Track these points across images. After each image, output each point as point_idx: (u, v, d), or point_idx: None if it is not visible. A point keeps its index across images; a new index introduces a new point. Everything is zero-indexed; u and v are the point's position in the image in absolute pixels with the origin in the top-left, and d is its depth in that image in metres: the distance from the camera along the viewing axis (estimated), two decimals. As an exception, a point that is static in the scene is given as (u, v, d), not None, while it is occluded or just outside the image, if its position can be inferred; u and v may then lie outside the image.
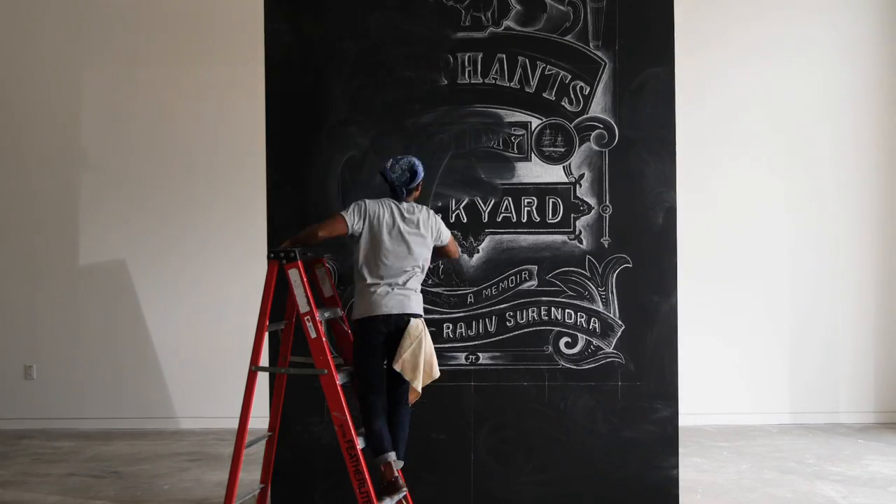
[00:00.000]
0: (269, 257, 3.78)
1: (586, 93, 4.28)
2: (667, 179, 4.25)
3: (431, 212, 3.93)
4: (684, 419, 5.04)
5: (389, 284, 3.74)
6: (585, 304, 4.25)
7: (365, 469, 3.63)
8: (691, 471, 5.14)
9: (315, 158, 4.30)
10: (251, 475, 5.16)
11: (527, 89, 4.29)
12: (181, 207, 6.63)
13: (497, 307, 4.26)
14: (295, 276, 3.71)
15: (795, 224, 6.59)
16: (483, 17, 4.29)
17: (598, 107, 4.27)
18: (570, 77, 4.28)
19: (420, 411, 4.23)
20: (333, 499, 4.26)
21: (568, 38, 4.28)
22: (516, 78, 4.29)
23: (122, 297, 6.63)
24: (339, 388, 3.67)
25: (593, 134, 4.26)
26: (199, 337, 6.61)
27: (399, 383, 3.82)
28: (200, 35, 6.64)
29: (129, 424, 6.56)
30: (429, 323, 4.25)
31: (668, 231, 4.26)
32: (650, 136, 4.25)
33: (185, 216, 6.62)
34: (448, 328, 4.25)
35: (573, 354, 4.26)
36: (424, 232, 3.82)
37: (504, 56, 4.29)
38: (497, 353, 4.25)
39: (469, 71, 4.29)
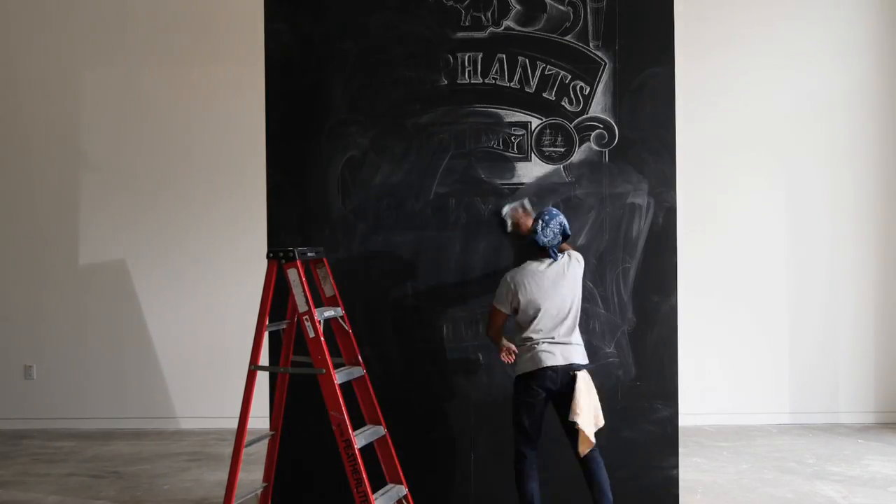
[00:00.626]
0: (268, 257, 3.79)
1: (586, 93, 4.28)
2: (667, 179, 4.25)
3: (572, 254, 3.95)
4: (684, 419, 5.04)
5: (542, 339, 3.80)
6: (585, 304, 4.24)
7: (362, 468, 3.63)
8: (691, 471, 5.14)
9: (315, 158, 4.30)
10: (251, 475, 5.17)
11: (527, 89, 4.28)
12: (181, 207, 6.63)
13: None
14: (294, 275, 3.71)
15: (795, 224, 6.60)
16: (483, 17, 4.29)
17: (598, 107, 4.27)
18: (570, 77, 4.27)
19: (420, 411, 4.24)
20: (333, 498, 4.26)
21: (568, 38, 4.27)
22: (516, 78, 4.29)
23: (122, 296, 6.64)
24: (336, 388, 3.67)
25: (593, 134, 4.26)
26: (199, 337, 6.61)
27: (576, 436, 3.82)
28: (200, 35, 6.65)
29: (129, 424, 6.56)
30: (429, 323, 4.26)
31: (668, 231, 4.26)
32: (650, 136, 4.25)
33: (185, 216, 6.63)
34: (448, 328, 4.25)
35: (573, 354, 4.25)
36: (564, 279, 3.85)
37: (504, 56, 4.29)
38: (497, 354, 4.25)
39: (469, 71, 4.29)
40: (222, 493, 4.80)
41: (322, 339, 3.67)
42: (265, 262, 4.34)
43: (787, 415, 6.55)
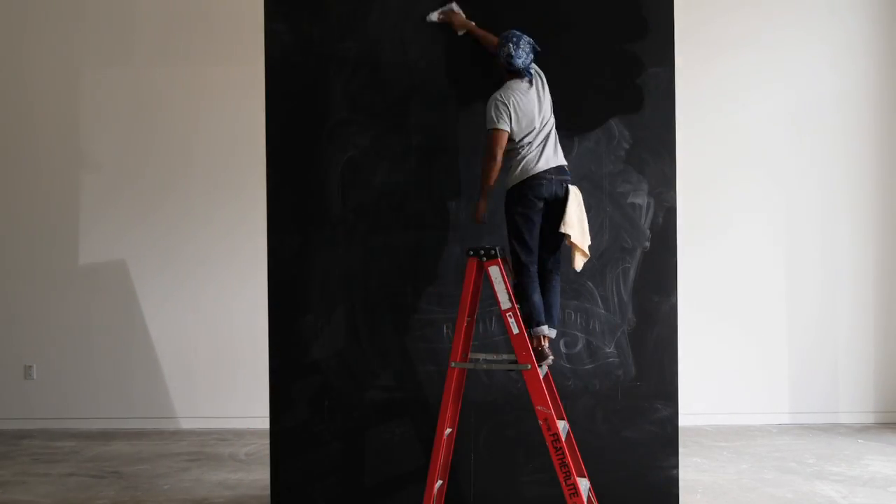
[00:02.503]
0: (468, 254, 3.82)
1: (586, 93, 4.28)
2: (667, 179, 4.25)
3: (538, 71, 4.01)
4: (684, 419, 5.05)
5: (531, 145, 3.84)
6: (585, 304, 4.25)
7: (570, 461, 3.65)
8: (691, 471, 5.14)
9: (315, 158, 4.30)
10: (252, 475, 5.18)
11: (527, 89, 4.28)
12: (180, 207, 6.63)
13: (497, 307, 4.25)
14: (495, 273, 3.75)
15: (795, 224, 6.60)
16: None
17: (599, 107, 4.27)
18: (570, 77, 4.27)
19: (420, 411, 4.24)
20: (334, 498, 4.26)
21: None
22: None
23: (122, 296, 6.64)
24: (542, 383, 3.70)
25: (593, 134, 4.26)
26: (199, 337, 6.61)
27: (552, 252, 3.92)
28: (200, 35, 6.65)
29: (129, 424, 6.56)
30: (429, 323, 4.26)
31: (668, 231, 4.26)
32: (650, 136, 4.25)
33: (184, 216, 6.63)
34: (448, 328, 4.25)
35: (573, 354, 4.26)
36: (545, 97, 3.96)
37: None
38: (497, 353, 4.25)
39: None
40: (222, 493, 4.81)
41: (525, 334, 3.71)
42: (264, 261, 4.36)
43: (786, 415, 6.55)
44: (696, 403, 6.36)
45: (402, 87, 4.28)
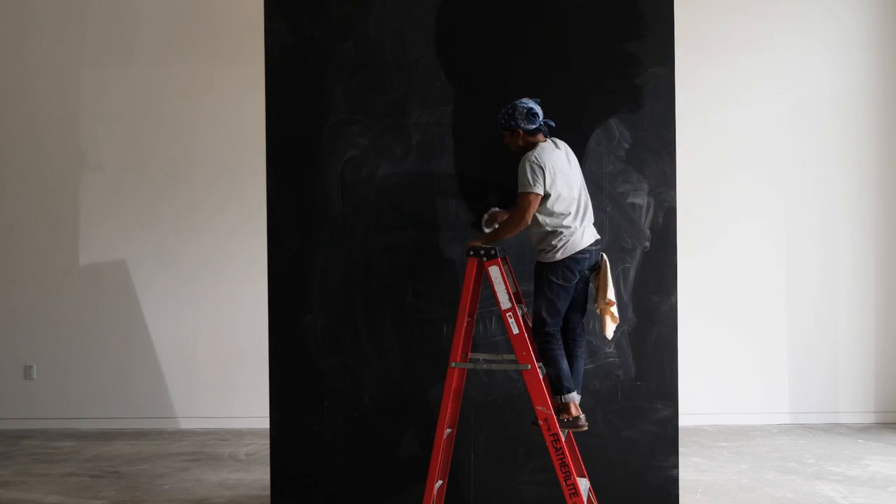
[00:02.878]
0: (468, 254, 3.80)
1: (586, 93, 4.28)
2: (667, 179, 4.25)
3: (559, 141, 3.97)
4: (684, 419, 5.05)
5: (574, 220, 3.80)
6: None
7: (570, 461, 3.66)
8: (691, 471, 5.14)
9: (315, 158, 4.30)
10: (252, 475, 5.18)
11: (527, 89, 4.28)
12: (180, 207, 6.63)
13: (497, 307, 4.25)
14: (496, 273, 3.74)
15: (795, 223, 6.60)
16: (483, 17, 4.29)
17: (599, 107, 4.27)
18: (570, 77, 4.27)
19: (420, 411, 4.24)
20: (334, 498, 4.26)
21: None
22: (516, 78, 4.29)
23: (122, 296, 6.64)
24: (542, 383, 3.70)
25: (593, 134, 4.26)
26: (199, 336, 6.61)
27: (580, 320, 3.93)
28: (200, 35, 6.64)
29: (129, 424, 6.56)
30: (429, 323, 4.26)
31: (668, 231, 4.26)
32: (650, 136, 4.25)
33: (184, 216, 6.63)
34: (448, 328, 4.24)
35: (573, 354, 4.25)
36: (571, 156, 3.92)
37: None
38: (497, 353, 4.25)
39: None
40: (222, 493, 4.81)
41: (525, 335, 3.72)
42: (264, 261, 4.36)
43: (786, 415, 6.55)
44: (696, 403, 6.36)
45: (402, 87, 4.28)
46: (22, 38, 6.71)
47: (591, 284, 3.91)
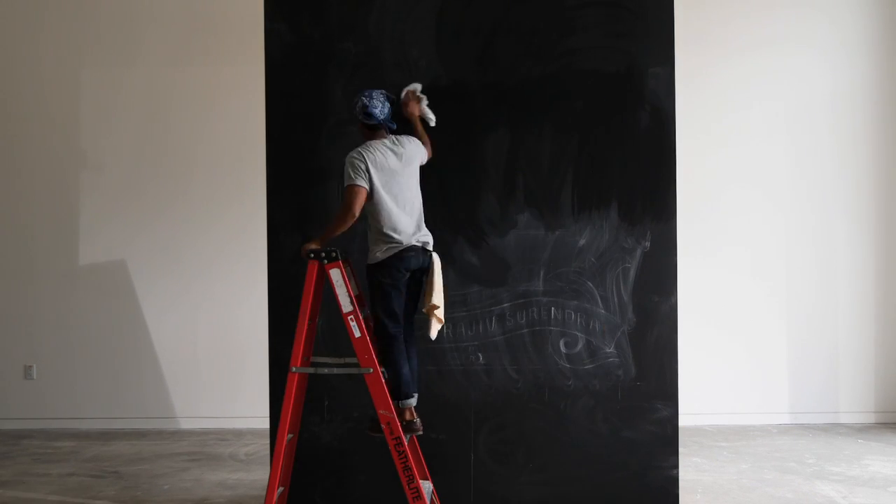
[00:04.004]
0: (309, 257, 3.77)
1: (586, 93, 4.28)
2: (667, 179, 4.25)
3: (408, 139, 3.95)
4: (684, 419, 5.05)
5: (402, 220, 3.81)
6: (585, 304, 4.25)
7: (413, 464, 3.66)
8: (691, 471, 5.14)
9: (315, 158, 4.30)
10: (252, 475, 5.18)
11: (527, 89, 4.28)
12: (180, 207, 6.63)
13: (497, 307, 4.26)
14: (337, 276, 3.73)
15: (795, 223, 6.60)
16: (483, 17, 4.29)
17: (599, 107, 4.27)
18: (570, 77, 4.27)
19: (420, 411, 4.23)
20: (334, 498, 4.26)
21: (568, 38, 4.28)
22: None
23: (121, 296, 6.64)
24: (385, 386, 3.69)
25: (592, 134, 4.26)
26: (199, 337, 6.61)
27: (411, 320, 3.93)
28: (200, 35, 6.65)
29: (129, 424, 6.56)
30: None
31: (668, 231, 4.26)
32: (650, 136, 4.25)
33: (184, 215, 6.63)
34: (448, 328, 4.25)
35: (573, 354, 4.26)
36: (414, 161, 3.92)
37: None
38: (497, 354, 4.25)
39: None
40: (222, 493, 4.81)
41: (367, 338, 3.70)
42: (264, 261, 4.37)
43: (786, 415, 6.55)
44: (696, 403, 6.36)
45: (402, 87, 4.27)
46: (23, 38, 6.71)
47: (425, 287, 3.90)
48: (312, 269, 3.76)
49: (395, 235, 3.79)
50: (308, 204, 4.30)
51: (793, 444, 5.90)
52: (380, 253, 3.82)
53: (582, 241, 4.24)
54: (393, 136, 3.94)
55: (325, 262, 3.74)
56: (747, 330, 6.56)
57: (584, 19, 4.26)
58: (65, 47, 6.69)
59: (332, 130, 4.29)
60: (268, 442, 4.38)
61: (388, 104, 3.88)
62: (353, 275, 3.91)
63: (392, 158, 3.84)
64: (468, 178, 4.27)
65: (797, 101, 6.60)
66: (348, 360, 3.87)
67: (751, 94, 6.58)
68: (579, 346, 4.26)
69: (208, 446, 5.98)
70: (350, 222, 3.78)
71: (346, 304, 3.71)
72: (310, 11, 4.30)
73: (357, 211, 3.76)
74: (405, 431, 3.74)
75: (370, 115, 3.84)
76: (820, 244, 6.60)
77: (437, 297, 3.84)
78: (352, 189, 3.75)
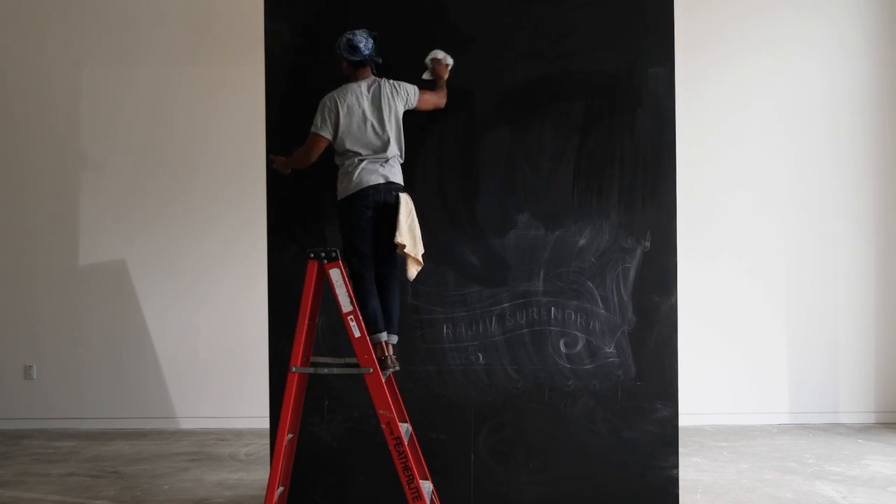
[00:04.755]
0: (309, 256, 3.77)
1: (586, 93, 4.28)
2: (667, 179, 4.25)
3: (391, 82, 3.94)
4: (684, 419, 5.05)
5: (371, 161, 3.82)
6: (585, 304, 4.25)
7: (413, 464, 3.66)
8: (691, 471, 5.14)
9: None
10: (252, 475, 5.17)
11: (527, 89, 4.28)
12: (181, 207, 6.63)
13: (497, 307, 4.26)
14: (336, 275, 3.72)
15: (795, 224, 6.60)
16: (483, 17, 4.28)
17: (599, 106, 4.27)
18: (570, 77, 4.27)
19: (420, 411, 4.24)
20: (334, 498, 4.26)
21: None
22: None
23: (122, 296, 6.64)
24: (384, 387, 3.69)
25: (592, 133, 4.26)
26: (199, 337, 6.61)
27: (386, 261, 3.90)
28: (200, 35, 6.65)
29: (129, 424, 6.56)
30: (429, 323, 4.26)
31: (668, 231, 4.26)
32: (650, 136, 4.25)
33: (184, 216, 6.63)
34: (448, 328, 4.25)
35: (573, 354, 4.26)
36: (392, 106, 3.89)
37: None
38: (497, 354, 4.25)
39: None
40: (222, 493, 4.81)
41: (367, 338, 3.70)
42: (264, 262, 4.37)
43: (786, 415, 6.55)
44: (696, 403, 6.36)
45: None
46: (24, 39, 6.71)
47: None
48: (312, 269, 3.76)
49: (353, 173, 3.80)
50: (308, 204, 4.29)
51: (793, 444, 5.90)
52: (341, 189, 3.87)
53: (582, 241, 4.24)
54: (379, 79, 3.92)
55: (325, 262, 3.75)
56: (747, 330, 6.57)
57: (584, 19, 4.26)
58: (66, 48, 6.69)
59: (332, 130, 4.29)
60: (268, 442, 4.38)
61: (371, 40, 3.87)
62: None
63: (365, 101, 3.85)
64: (468, 178, 4.27)
65: (796, 102, 6.60)
66: (348, 360, 3.86)
67: (750, 96, 6.58)
68: (579, 346, 4.26)
69: (208, 446, 5.98)
70: (306, 165, 3.92)
71: (345, 304, 3.71)
72: (310, 11, 4.30)
73: (313, 158, 3.88)
74: (381, 368, 3.73)
75: (355, 49, 3.83)
76: (819, 244, 6.60)
77: (402, 236, 3.78)
78: (314, 137, 3.85)
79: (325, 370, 3.92)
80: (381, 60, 3.94)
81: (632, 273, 4.26)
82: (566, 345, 4.26)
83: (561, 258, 4.25)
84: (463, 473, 4.23)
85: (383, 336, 3.83)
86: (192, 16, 6.66)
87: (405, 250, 3.80)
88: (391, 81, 3.94)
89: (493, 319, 4.26)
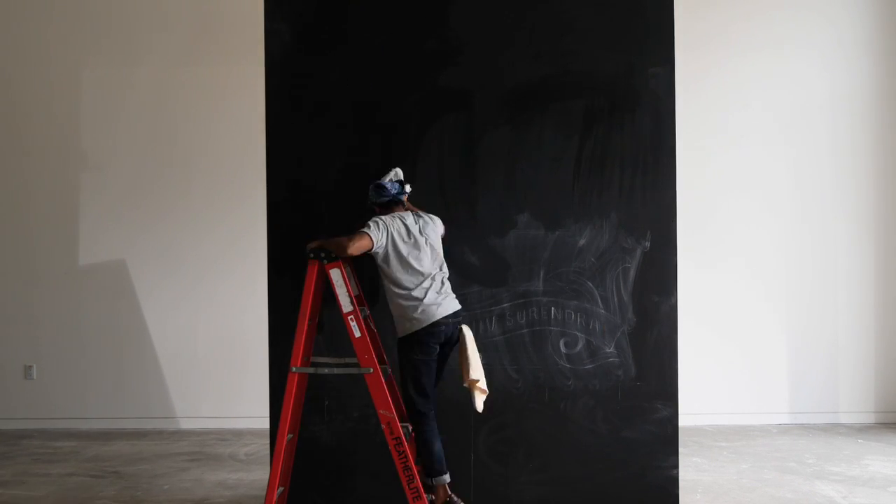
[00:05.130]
0: (309, 257, 3.76)
1: (586, 93, 4.28)
2: (667, 179, 4.25)
3: (422, 213, 3.98)
4: (684, 419, 5.05)
5: (428, 291, 3.78)
6: (585, 304, 4.25)
7: (413, 465, 3.67)
8: (691, 471, 5.14)
9: (315, 159, 4.30)
10: (252, 475, 5.17)
11: (527, 89, 4.29)
12: (181, 207, 6.63)
13: (497, 307, 4.26)
14: (337, 276, 3.72)
15: (795, 224, 6.60)
16: (483, 17, 4.29)
17: (599, 106, 4.27)
18: (570, 77, 4.27)
19: (420, 411, 4.24)
20: (334, 498, 4.26)
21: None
22: (516, 78, 4.28)
23: (122, 297, 6.64)
24: (384, 386, 3.69)
25: (593, 133, 4.26)
26: (199, 337, 6.61)
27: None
28: (200, 35, 6.65)
29: (129, 424, 6.56)
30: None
31: (668, 231, 4.26)
32: (650, 135, 4.25)
33: (184, 216, 6.63)
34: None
35: (573, 354, 4.26)
36: (434, 232, 3.91)
37: (504, 56, 4.29)
38: (497, 354, 4.25)
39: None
40: (222, 493, 4.81)
41: (368, 338, 3.69)
42: (263, 262, 4.37)
43: (786, 415, 6.55)
44: (696, 403, 6.36)
45: (404, 87, 4.27)
46: (25, 39, 6.71)
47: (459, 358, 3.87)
48: (312, 270, 3.76)
49: (420, 307, 3.75)
50: (308, 204, 4.29)
51: (793, 444, 5.90)
52: (409, 326, 3.79)
53: (582, 241, 4.24)
54: (410, 213, 3.91)
55: (325, 262, 3.74)
56: (747, 330, 6.57)
57: (584, 19, 4.26)
58: (66, 48, 6.69)
59: (333, 131, 4.29)
60: (268, 442, 4.38)
61: (397, 183, 3.88)
62: (353, 275, 3.90)
63: (411, 229, 3.83)
64: (468, 178, 4.27)
65: (796, 102, 6.60)
66: (348, 360, 3.86)
67: (750, 96, 6.58)
68: (579, 346, 4.26)
69: (208, 446, 5.98)
70: (343, 255, 3.72)
71: (346, 305, 3.71)
72: (310, 11, 4.30)
73: (352, 252, 3.69)
74: None
75: (382, 189, 3.83)
76: (819, 244, 6.60)
77: (476, 371, 3.77)
78: (363, 234, 3.72)
79: (326, 370, 3.92)
80: (408, 191, 3.92)
81: (632, 273, 4.26)
82: (566, 345, 4.26)
83: (561, 258, 4.25)
84: (463, 473, 4.23)
85: (446, 478, 3.83)
86: (193, 16, 6.66)
87: (478, 385, 3.80)
88: (424, 213, 3.95)
89: (493, 319, 4.26)
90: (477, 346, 3.91)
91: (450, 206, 4.25)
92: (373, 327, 3.93)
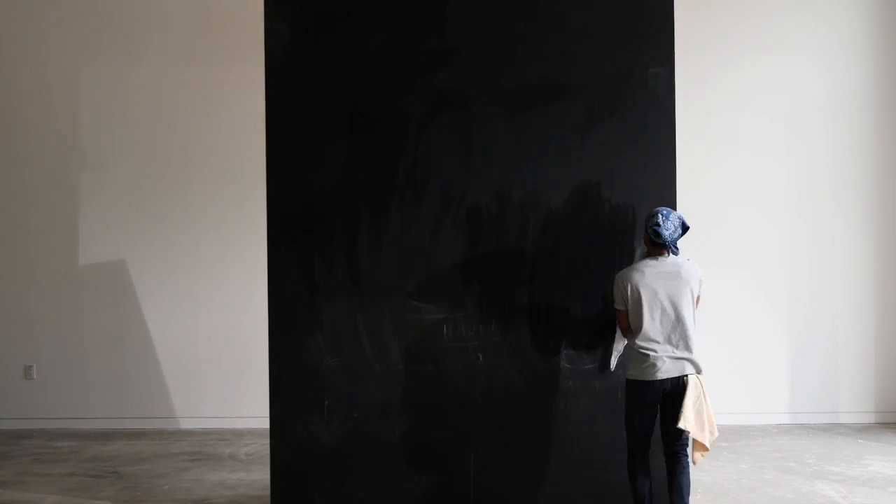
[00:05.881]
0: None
1: (586, 93, 4.28)
2: (667, 180, 4.25)
3: (693, 262, 3.97)
4: (684, 419, 5.03)
5: (660, 348, 3.82)
6: (586, 304, 4.24)
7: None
8: (691, 471, 5.13)
9: (315, 159, 4.30)
10: (252, 475, 5.17)
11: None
12: (181, 207, 6.63)
13: (497, 307, 4.25)
14: None
15: (795, 224, 6.60)
16: (483, 17, 4.28)
17: (599, 106, 4.26)
18: (570, 77, 4.27)
19: (420, 411, 4.24)
20: (333, 498, 4.26)
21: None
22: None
23: (121, 297, 6.64)
24: None
25: (593, 133, 4.26)
26: (199, 337, 6.61)
27: (675, 438, 3.89)
28: (200, 35, 6.65)
29: (129, 424, 6.56)
30: (430, 323, 4.25)
31: (668, 231, 4.25)
32: (650, 135, 4.25)
33: (184, 216, 6.63)
34: (449, 328, 4.24)
35: (573, 354, 4.25)
36: (680, 279, 3.90)
37: (504, 56, 4.29)
38: (497, 354, 4.25)
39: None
40: (222, 493, 4.81)
41: None
42: (263, 261, 4.36)
43: (786, 415, 6.55)
44: (696, 403, 6.35)
45: (404, 87, 4.27)
46: (25, 39, 6.71)
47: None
48: None
49: (647, 363, 3.82)
50: (308, 204, 4.29)
51: (793, 444, 5.90)
52: (631, 370, 3.90)
53: (582, 242, 4.24)
54: (672, 258, 3.90)
55: None
56: (747, 330, 6.56)
57: (584, 19, 4.26)
58: (66, 48, 6.69)
59: (333, 131, 4.29)
60: (268, 442, 4.38)
61: (680, 230, 3.87)
62: None
63: (656, 279, 3.84)
64: (468, 179, 4.26)
65: (796, 103, 6.60)
66: None
67: (750, 97, 6.58)
68: (579, 346, 4.25)
69: (208, 446, 5.98)
70: (625, 336, 3.98)
71: None
72: (310, 11, 4.30)
73: (620, 329, 3.99)
74: None
75: (658, 234, 3.83)
76: (819, 244, 6.60)
77: (687, 422, 3.77)
78: (616, 311, 3.97)
79: None
80: (678, 248, 3.92)
81: (632, 273, 4.24)
82: (566, 345, 4.25)
83: (561, 258, 4.24)
84: (463, 473, 4.23)
85: None
86: (193, 16, 6.66)
87: (691, 435, 3.82)
88: (687, 262, 3.94)
89: (493, 319, 4.26)
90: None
91: (450, 207, 4.25)
92: None
